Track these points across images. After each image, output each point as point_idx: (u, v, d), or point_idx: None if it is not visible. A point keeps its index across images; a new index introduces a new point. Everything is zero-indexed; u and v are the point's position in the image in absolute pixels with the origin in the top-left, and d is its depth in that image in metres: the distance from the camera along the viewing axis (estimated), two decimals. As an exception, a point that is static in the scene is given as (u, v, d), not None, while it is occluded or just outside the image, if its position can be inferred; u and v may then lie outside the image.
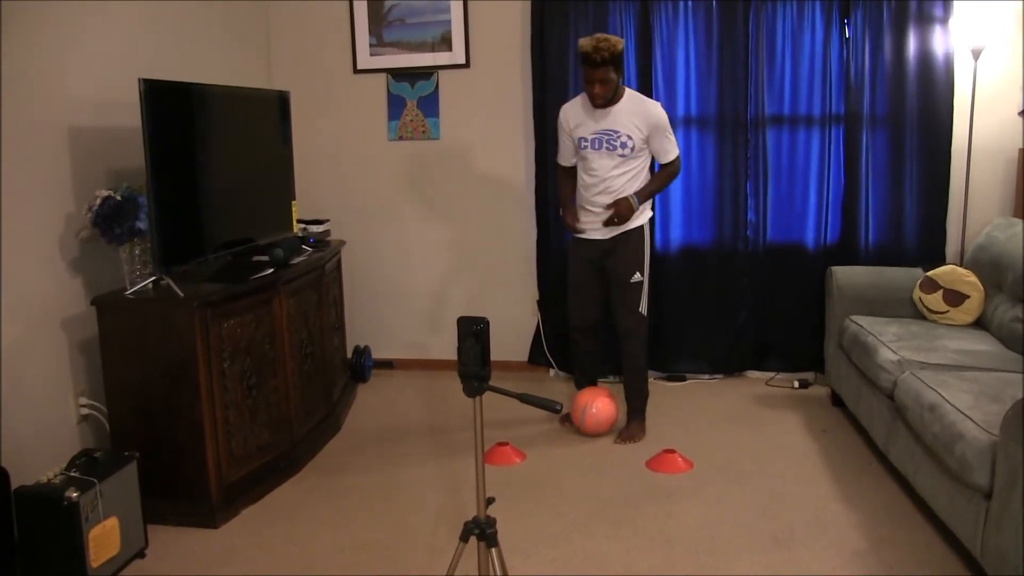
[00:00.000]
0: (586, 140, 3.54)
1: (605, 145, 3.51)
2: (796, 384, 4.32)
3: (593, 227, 3.62)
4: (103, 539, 2.58)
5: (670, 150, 3.55)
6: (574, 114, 3.58)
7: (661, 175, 3.64)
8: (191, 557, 2.78)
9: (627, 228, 3.59)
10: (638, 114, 3.47)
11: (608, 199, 3.55)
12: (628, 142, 3.47)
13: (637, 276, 3.60)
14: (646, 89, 4.23)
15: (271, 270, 3.39)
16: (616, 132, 3.48)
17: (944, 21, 3.96)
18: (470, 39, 4.47)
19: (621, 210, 3.52)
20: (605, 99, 3.43)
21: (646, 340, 3.70)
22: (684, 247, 4.39)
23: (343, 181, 4.74)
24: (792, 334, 4.37)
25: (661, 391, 4.20)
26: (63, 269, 3.04)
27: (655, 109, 3.52)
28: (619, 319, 3.68)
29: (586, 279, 3.72)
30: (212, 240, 3.26)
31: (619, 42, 3.36)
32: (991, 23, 3.88)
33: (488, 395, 1.93)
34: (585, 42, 3.35)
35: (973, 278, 3.62)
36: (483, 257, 4.68)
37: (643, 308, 3.65)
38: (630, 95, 3.53)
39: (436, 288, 4.76)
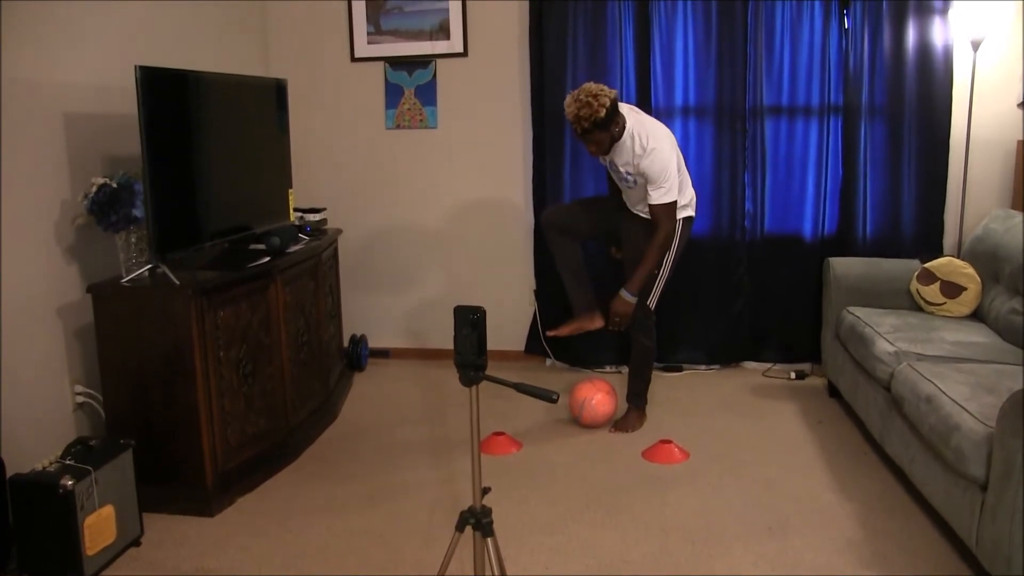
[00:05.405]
0: (603, 158, 3.54)
1: (615, 171, 3.52)
2: (792, 375, 4.33)
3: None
4: (98, 527, 2.57)
5: (655, 196, 3.36)
6: None
7: (650, 250, 3.41)
8: (186, 545, 2.78)
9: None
10: (633, 157, 3.37)
11: (630, 207, 3.61)
12: (630, 176, 3.45)
13: None
14: (644, 79, 4.23)
15: (267, 258, 3.39)
16: (619, 167, 3.46)
17: (943, 12, 3.95)
18: (468, 28, 4.44)
19: (618, 310, 3.46)
20: (601, 154, 3.40)
21: (652, 332, 3.66)
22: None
23: (340, 169, 4.72)
24: (789, 325, 4.37)
25: (658, 381, 4.18)
26: (59, 256, 3.03)
27: (646, 161, 3.32)
28: None
29: (600, 205, 3.77)
30: (208, 228, 3.24)
31: (602, 106, 3.14)
32: (991, 14, 3.87)
33: (484, 384, 1.92)
34: (568, 108, 3.20)
35: (970, 270, 3.62)
36: (480, 246, 4.67)
37: (651, 302, 3.61)
38: (630, 134, 3.35)
39: (433, 277, 4.75)
